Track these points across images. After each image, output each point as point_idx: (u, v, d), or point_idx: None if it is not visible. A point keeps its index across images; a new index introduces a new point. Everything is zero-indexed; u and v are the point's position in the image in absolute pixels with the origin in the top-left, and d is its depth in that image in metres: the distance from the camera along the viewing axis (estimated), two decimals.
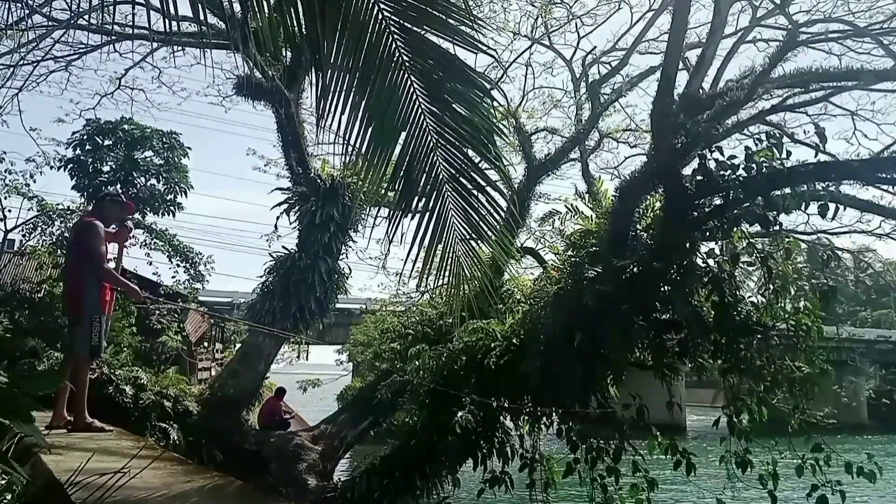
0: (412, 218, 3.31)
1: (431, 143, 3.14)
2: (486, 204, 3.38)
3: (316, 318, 11.36)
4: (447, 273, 3.59)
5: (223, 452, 9.24)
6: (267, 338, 10.90)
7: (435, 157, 3.18)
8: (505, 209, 3.73)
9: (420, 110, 3.05)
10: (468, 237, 3.48)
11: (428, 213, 3.28)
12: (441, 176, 3.24)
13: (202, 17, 2.49)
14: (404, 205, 3.25)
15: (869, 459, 5.15)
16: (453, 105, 3.12)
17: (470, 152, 3.27)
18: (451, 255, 3.51)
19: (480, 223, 3.42)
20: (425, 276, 3.53)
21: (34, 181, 13.38)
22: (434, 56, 3.02)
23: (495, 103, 3.49)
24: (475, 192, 3.33)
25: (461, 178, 3.28)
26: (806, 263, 7.96)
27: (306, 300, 10.78)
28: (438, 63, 3.04)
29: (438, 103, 3.09)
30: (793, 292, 5.65)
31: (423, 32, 2.94)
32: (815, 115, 11.28)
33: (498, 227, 3.56)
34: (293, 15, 2.61)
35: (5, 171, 13.05)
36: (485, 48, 3.13)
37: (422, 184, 3.20)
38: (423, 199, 3.26)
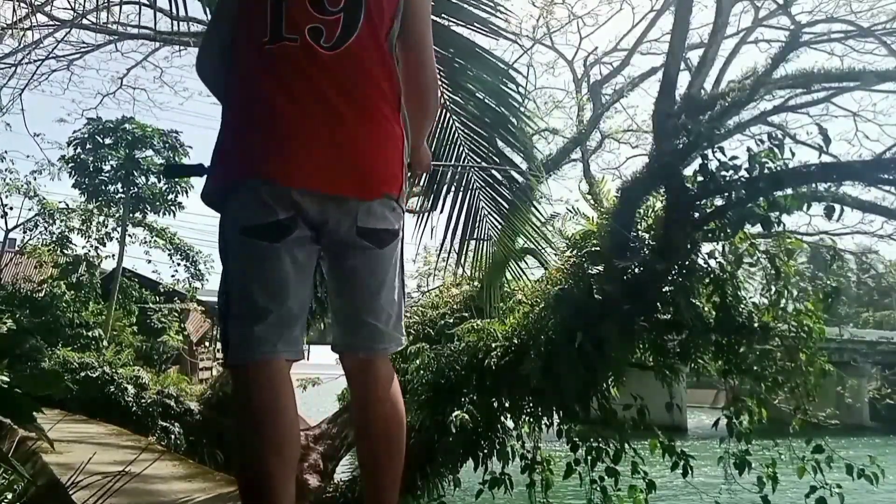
0: (441, 212, 3.26)
1: (457, 135, 3.06)
2: (519, 194, 3.31)
3: (317, 318, 11.32)
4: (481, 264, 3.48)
5: (224, 452, 9.26)
6: None
7: (462, 150, 3.11)
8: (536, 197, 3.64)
9: (443, 100, 2.97)
10: (500, 226, 3.40)
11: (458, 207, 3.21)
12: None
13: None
14: (432, 200, 3.19)
15: (871, 462, 5.13)
16: (477, 94, 3.04)
17: (498, 142, 3.19)
18: (483, 246, 3.44)
19: (514, 213, 3.34)
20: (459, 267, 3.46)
21: (34, 179, 13.42)
22: (455, 44, 2.90)
23: (520, 88, 3.39)
24: (506, 182, 3.25)
25: (491, 170, 3.21)
26: (808, 264, 7.94)
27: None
28: (459, 50, 2.92)
29: (462, 91, 3.01)
30: (795, 293, 5.64)
31: (439, 18, 2.82)
32: (817, 116, 11.26)
33: (534, 218, 3.45)
34: None
35: (6, 169, 13.07)
36: (505, 33, 3.04)
37: (448, 178, 3.14)
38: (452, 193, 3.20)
